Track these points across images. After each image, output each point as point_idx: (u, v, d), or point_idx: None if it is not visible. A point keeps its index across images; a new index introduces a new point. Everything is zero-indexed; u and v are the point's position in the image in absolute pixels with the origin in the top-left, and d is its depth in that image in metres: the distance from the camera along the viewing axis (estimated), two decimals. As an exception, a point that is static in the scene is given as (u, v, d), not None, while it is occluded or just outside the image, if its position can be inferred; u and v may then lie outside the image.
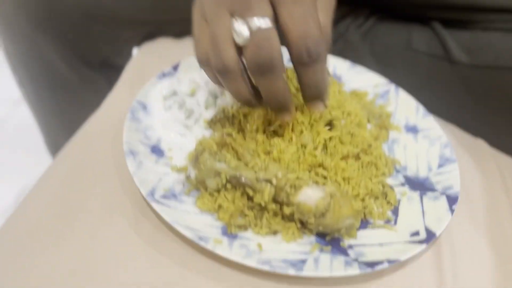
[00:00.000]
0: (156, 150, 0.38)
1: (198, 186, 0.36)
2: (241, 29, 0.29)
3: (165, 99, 0.43)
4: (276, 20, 0.30)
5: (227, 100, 0.43)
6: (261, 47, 0.29)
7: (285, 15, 0.30)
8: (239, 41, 0.30)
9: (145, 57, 0.54)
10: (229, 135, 0.38)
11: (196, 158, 0.35)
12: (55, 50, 0.55)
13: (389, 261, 0.31)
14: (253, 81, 0.33)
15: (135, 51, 0.59)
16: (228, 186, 0.35)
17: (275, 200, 0.33)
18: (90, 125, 0.43)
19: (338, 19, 0.57)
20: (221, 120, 0.42)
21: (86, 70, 0.58)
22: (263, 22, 0.29)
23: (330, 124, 0.39)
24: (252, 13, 0.29)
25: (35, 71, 0.60)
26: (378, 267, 0.30)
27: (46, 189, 0.36)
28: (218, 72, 0.32)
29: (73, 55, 0.56)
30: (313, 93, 0.33)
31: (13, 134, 1.00)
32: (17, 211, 0.35)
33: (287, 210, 0.33)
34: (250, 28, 0.29)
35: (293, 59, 0.31)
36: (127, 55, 0.59)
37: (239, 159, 0.35)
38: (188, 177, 0.36)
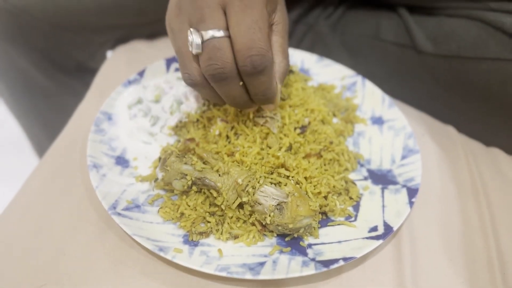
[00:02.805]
0: (121, 161, 0.39)
1: (165, 188, 0.37)
2: (195, 40, 0.30)
3: (129, 108, 0.43)
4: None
5: (191, 105, 0.43)
6: (212, 58, 0.30)
7: (233, 25, 0.29)
8: (194, 52, 0.30)
9: (118, 61, 0.55)
10: (192, 140, 0.39)
11: (163, 161, 0.36)
12: (29, 60, 0.56)
13: (345, 259, 0.31)
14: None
15: (110, 54, 0.59)
16: (192, 191, 0.36)
17: (239, 204, 0.34)
18: (62, 138, 0.44)
19: (307, 10, 0.57)
20: (186, 125, 0.42)
21: (61, 76, 0.59)
22: (215, 33, 0.29)
23: (302, 128, 0.40)
24: (204, 24, 0.30)
25: (11, 81, 0.61)
26: (333, 266, 0.31)
27: (18, 204, 0.38)
28: (188, 84, 0.33)
29: (47, 63, 0.57)
30: (260, 100, 0.34)
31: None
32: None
33: (247, 209, 0.34)
34: (202, 39, 0.30)
35: (238, 69, 0.31)
36: (102, 58, 0.59)
37: (205, 162, 0.36)
38: (156, 180, 0.37)
